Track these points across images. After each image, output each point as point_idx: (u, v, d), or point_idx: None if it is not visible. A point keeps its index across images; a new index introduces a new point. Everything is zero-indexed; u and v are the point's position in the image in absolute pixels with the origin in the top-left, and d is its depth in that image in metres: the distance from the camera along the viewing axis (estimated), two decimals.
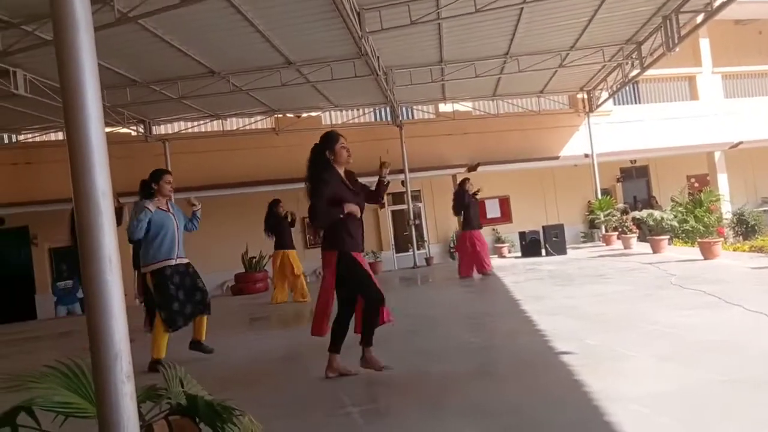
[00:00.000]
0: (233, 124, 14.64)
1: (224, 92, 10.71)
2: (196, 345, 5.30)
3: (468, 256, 9.76)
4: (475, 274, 9.82)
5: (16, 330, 9.97)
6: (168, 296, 4.92)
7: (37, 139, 13.64)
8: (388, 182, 4.34)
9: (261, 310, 9.05)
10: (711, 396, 2.91)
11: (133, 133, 13.35)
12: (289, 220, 9.13)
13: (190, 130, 14.29)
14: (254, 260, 12.35)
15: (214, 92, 10.65)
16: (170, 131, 14.17)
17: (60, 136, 14.19)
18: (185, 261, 5.16)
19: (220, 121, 13.98)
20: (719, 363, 3.47)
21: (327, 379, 4.03)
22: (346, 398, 3.62)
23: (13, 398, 1.74)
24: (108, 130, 13.22)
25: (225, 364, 5.07)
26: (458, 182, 10.43)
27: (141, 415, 2.10)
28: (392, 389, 3.74)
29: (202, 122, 13.89)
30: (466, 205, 9.63)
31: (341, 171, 4.05)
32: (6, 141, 13.95)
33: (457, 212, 9.88)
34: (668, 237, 11.00)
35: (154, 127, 13.43)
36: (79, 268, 1.69)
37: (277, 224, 8.99)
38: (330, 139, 4.02)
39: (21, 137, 13.54)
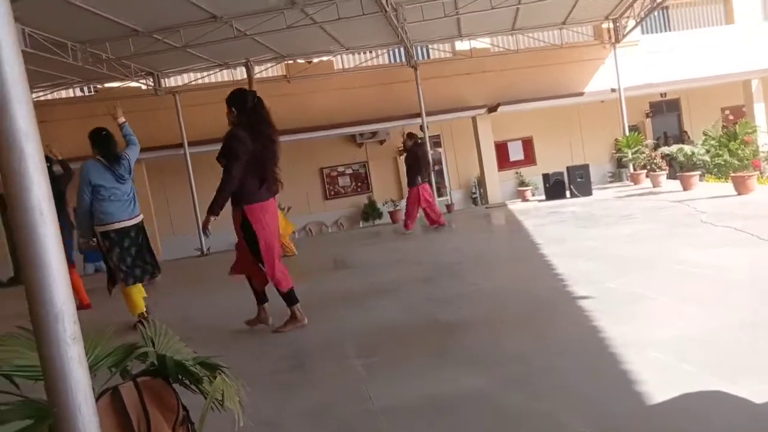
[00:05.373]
0: (243, 73, 14.24)
1: (229, 38, 10.29)
2: None
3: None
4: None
5: None
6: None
7: (48, 97, 13.52)
8: None
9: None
10: (738, 340, 2.66)
11: (144, 87, 13.11)
12: None
13: (200, 81, 13.96)
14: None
15: (218, 38, 10.25)
16: (180, 83, 13.88)
17: (71, 92, 14.07)
18: None
19: (230, 70, 13.59)
20: (748, 304, 3.20)
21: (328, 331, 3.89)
22: (350, 350, 3.49)
23: None
24: (116, 84, 13.01)
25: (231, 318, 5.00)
26: (408, 137, 9.78)
27: (125, 374, 1.99)
28: (398, 339, 3.59)
29: (211, 72, 13.54)
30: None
31: None
32: None
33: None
34: (700, 173, 10.45)
35: (163, 80, 13.14)
36: None
37: None
38: None
39: (32, 96, 13.41)
